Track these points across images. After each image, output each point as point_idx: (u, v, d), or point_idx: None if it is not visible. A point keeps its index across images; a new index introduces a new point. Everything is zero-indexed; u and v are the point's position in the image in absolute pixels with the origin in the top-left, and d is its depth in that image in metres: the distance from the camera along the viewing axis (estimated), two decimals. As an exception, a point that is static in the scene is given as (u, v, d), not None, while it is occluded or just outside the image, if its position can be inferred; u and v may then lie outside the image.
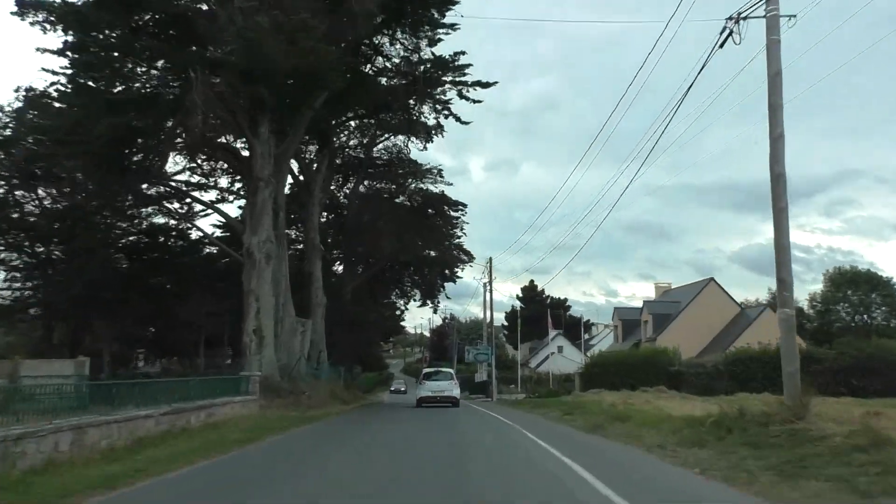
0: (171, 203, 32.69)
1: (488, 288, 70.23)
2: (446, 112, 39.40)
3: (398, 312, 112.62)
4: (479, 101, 38.73)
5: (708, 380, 32.48)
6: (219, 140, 30.88)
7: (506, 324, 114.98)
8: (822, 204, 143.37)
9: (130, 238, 34.91)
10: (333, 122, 40.88)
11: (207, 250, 39.25)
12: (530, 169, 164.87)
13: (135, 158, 28.79)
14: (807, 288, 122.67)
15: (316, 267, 39.46)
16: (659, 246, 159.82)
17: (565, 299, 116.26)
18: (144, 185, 32.20)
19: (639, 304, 57.14)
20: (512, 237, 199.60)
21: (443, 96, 38.94)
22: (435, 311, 55.82)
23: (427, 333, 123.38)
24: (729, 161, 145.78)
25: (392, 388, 77.41)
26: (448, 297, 58.84)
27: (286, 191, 36.17)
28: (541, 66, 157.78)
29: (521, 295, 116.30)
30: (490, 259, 52.31)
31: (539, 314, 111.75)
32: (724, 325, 47.79)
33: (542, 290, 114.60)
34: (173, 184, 32.55)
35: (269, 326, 28.34)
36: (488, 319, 66.69)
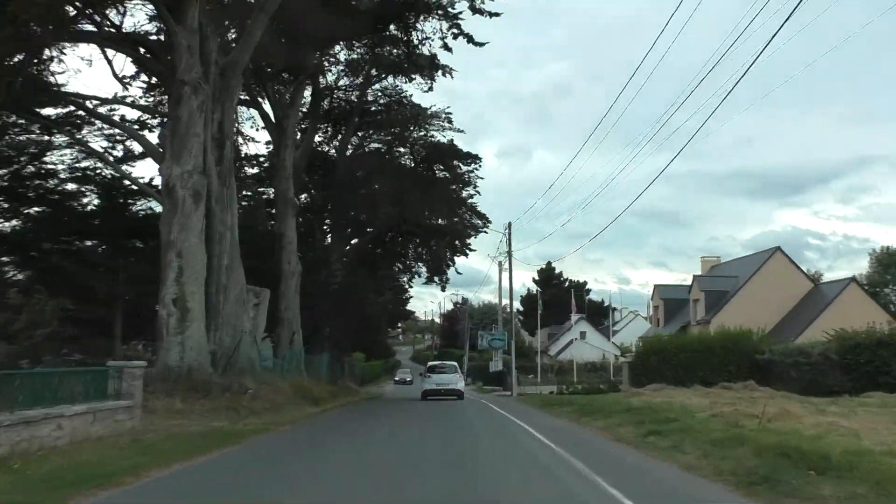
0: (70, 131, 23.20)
1: (502, 267, 61.22)
2: (455, 30, 30.26)
3: (401, 292, 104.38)
4: (498, 15, 29.60)
5: (813, 373, 23.16)
6: (131, 32, 21.68)
7: (521, 308, 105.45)
8: (839, 190, 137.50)
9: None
10: (316, 52, 31.84)
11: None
12: (543, 155, 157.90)
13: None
14: (825, 276, 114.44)
15: (288, 226, 30.39)
16: (672, 233, 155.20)
17: (584, 282, 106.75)
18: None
19: (663, 286, 47.94)
20: (525, 224, 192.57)
21: (451, 8, 29.84)
22: (443, 289, 46.64)
23: (437, 319, 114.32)
24: (743, 148, 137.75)
25: (397, 378, 68.51)
26: (459, 273, 49.58)
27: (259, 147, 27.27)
28: (555, 51, 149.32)
29: (537, 278, 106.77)
30: (509, 224, 43.00)
31: (557, 298, 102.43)
32: (794, 303, 38.53)
33: (560, 273, 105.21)
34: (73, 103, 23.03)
35: (196, 295, 19.29)
36: (505, 301, 57.87)
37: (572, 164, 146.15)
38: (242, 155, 35.30)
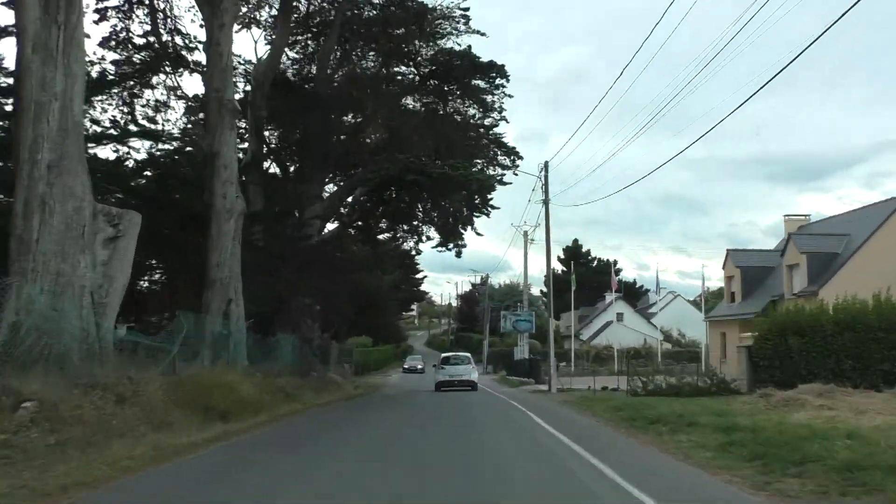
0: None
1: (528, 237, 50.55)
2: None
3: (413, 270, 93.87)
4: None
5: None
6: None
7: (544, 290, 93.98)
8: (862, 175, 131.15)
9: None
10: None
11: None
12: (560, 140, 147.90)
13: None
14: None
15: (223, 142, 19.82)
16: (691, 219, 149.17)
17: (615, 261, 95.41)
18: None
19: (695, 270, 37.00)
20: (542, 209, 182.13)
21: None
22: (458, 254, 35.73)
23: (454, 302, 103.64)
24: (764, 132, 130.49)
25: (406, 366, 58.16)
26: (479, 234, 39.00)
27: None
28: (571, 36, 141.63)
29: (562, 257, 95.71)
30: (545, 165, 31.96)
31: (585, 279, 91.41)
32: (936, 268, 27.66)
33: (588, 252, 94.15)
34: None
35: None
36: (525, 278, 47.48)
37: (591, 148, 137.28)
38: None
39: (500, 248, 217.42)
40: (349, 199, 38.44)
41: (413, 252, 47.42)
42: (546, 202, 30.43)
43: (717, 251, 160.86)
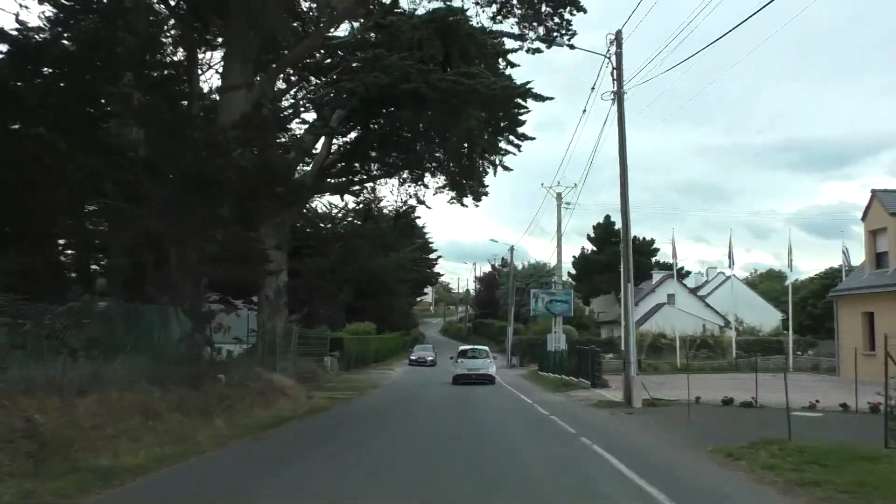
0: None
1: (562, 198, 39.11)
2: None
3: (426, 249, 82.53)
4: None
5: None
6: None
7: (573, 272, 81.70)
8: (888, 162, 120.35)
9: None
10: None
11: None
12: (580, 128, 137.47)
13: None
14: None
15: None
16: (712, 208, 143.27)
17: (652, 240, 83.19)
18: None
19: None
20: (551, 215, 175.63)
21: None
22: (478, 197, 23.69)
23: (472, 284, 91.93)
24: (786, 120, 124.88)
25: (412, 357, 46.74)
26: (507, 169, 27.44)
27: None
28: (590, 19, 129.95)
29: (592, 235, 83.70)
30: (617, 35, 19.97)
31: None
32: None
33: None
34: None
35: None
36: (559, 249, 36.97)
37: (609, 136, 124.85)
38: None
39: (515, 235, 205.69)
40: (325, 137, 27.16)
41: (416, 208, 35.33)
42: (618, 94, 18.64)
43: (736, 239, 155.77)
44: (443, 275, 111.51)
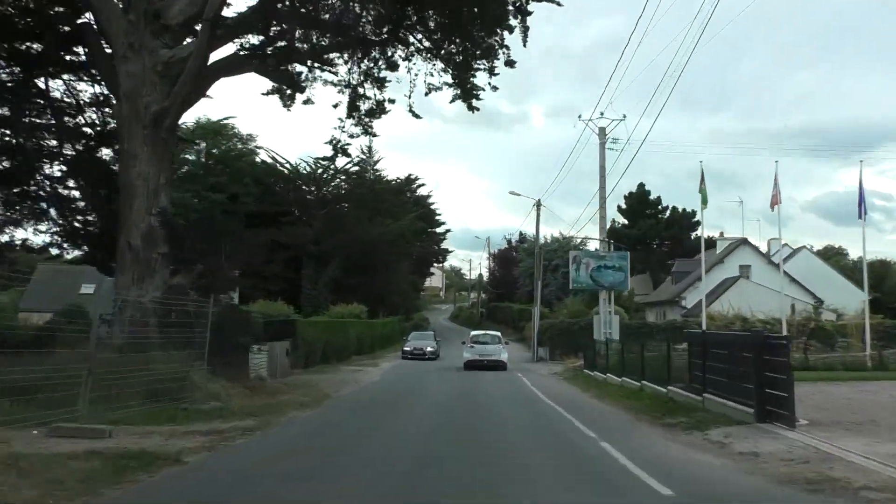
0: None
1: (604, 133, 26.99)
2: None
3: (432, 221, 70.18)
4: None
5: None
6: None
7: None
8: None
9: None
10: None
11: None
12: (594, 115, 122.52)
13: None
14: (886, 237, 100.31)
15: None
16: (727, 195, 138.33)
17: (693, 212, 70.42)
18: None
19: None
20: (573, 186, 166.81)
21: None
22: (494, 87, 11.04)
23: (485, 264, 79.31)
24: (804, 105, 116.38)
25: (407, 348, 34.43)
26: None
27: None
28: (606, 4, 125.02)
29: (623, 206, 71.17)
30: None
31: (653, 233, 67.53)
32: None
33: (658, 200, 69.35)
34: None
35: None
36: (602, 200, 23.38)
37: (626, 123, 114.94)
38: None
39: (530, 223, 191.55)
40: None
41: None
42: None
43: (752, 227, 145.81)
44: (451, 251, 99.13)
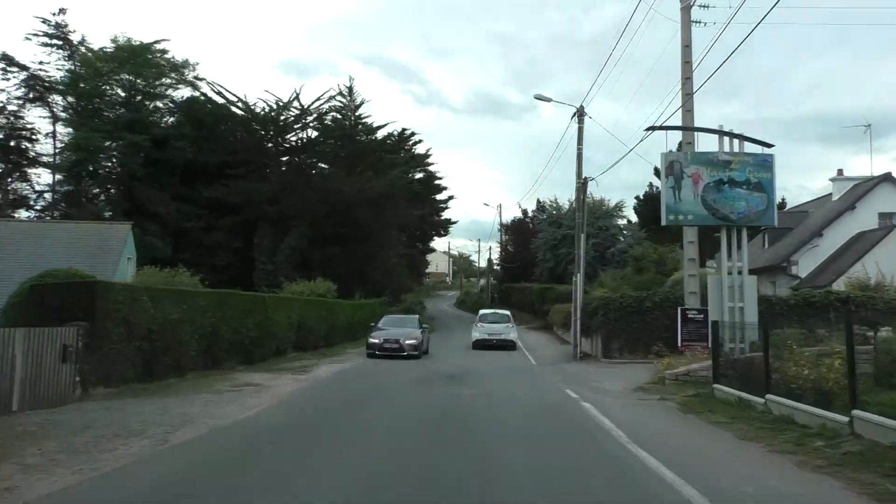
0: None
1: None
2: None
3: (434, 188, 55.76)
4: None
5: None
6: None
7: (631, 220, 55.28)
8: None
9: None
10: None
11: None
12: (602, 103, 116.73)
13: None
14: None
15: None
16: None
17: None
18: None
19: None
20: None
21: None
22: None
23: (496, 241, 65.25)
24: (817, 93, 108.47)
25: (374, 340, 20.97)
26: None
27: None
28: None
29: (660, 168, 56.62)
30: None
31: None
32: None
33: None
34: None
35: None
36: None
37: (634, 114, 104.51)
38: None
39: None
40: None
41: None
42: None
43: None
44: (456, 221, 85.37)
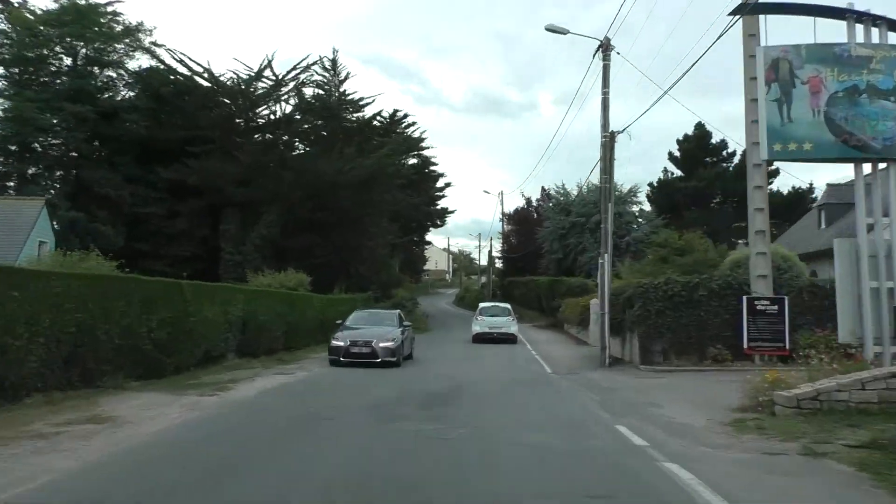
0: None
1: None
2: None
3: (429, 178, 48.96)
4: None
5: None
6: None
7: (645, 208, 49.97)
8: None
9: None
10: None
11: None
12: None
13: None
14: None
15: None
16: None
17: (776, 169, 51.47)
18: None
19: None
20: (585, 174, 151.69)
21: None
22: None
23: (499, 231, 59.90)
24: None
25: (338, 342, 15.82)
26: None
27: None
28: None
29: (676, 154, 52.65)
30: None
31: (718, 187, 49.45)
32: None
33: (723, 144, 50.16)
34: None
35: None
36: None
37: (635, 109, 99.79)
38: None
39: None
40: None
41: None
42: None
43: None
44: (454, 211, 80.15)
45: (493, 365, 16.36)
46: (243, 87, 33.55)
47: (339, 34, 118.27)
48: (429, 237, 56.31)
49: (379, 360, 15.03)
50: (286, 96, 34.25)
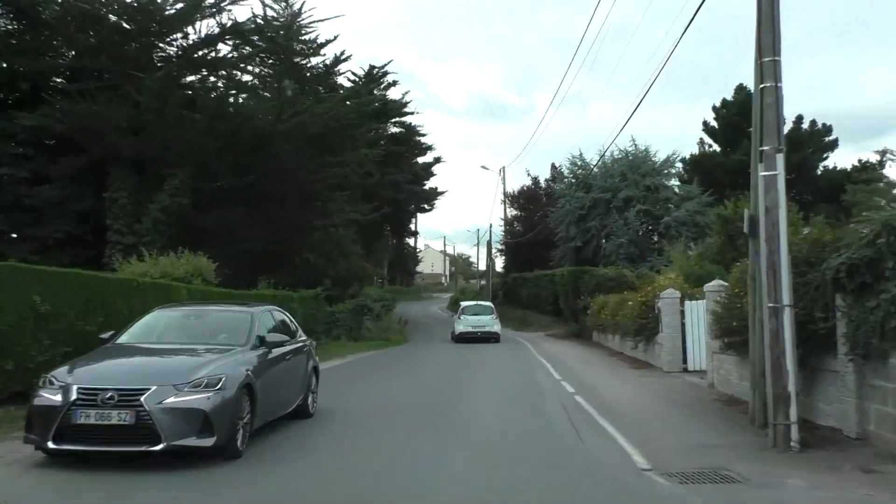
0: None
1: None
2: None
3: (420, 152, 36.48)
4: None
5: None
6: None
7: (675, 183, 39.19)
8: None
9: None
10: None
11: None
12: (601, 104, 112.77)
13: None
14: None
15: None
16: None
17: (830, 126, 41.18)
18: None
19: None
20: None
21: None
22: None
23: (500, 215, 49.51)
24: (820, 92, 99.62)
25: (53, 395, 5.51)
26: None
27: None
28: None
29: (713, 124, 43.02)
30: None
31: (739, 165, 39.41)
32: None
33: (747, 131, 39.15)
34: None
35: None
36: None
37: (629, 111, 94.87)
38: None
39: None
40: None
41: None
42: None
43: None
44: (445, 192, 69.45)
45: (489, 440, 6.41)
46: (149, 4, 23.44)
47: (339, 38, 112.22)
48: (429, 241, 46.30)
49: (160, 447, 5.04)
50: (209, 14, 24.06)
